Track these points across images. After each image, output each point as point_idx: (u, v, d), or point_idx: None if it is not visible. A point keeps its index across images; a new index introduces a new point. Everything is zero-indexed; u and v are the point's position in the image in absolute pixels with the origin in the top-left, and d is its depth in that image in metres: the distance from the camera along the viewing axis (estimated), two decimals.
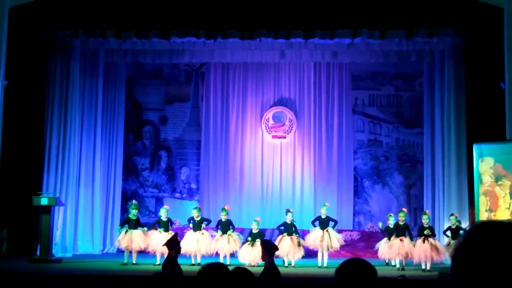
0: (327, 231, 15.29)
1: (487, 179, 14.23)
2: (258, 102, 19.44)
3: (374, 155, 19.44)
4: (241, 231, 16.66)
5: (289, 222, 15.40)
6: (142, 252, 15.51)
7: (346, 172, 19.16)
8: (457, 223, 14.85)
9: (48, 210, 15.39)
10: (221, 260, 14.81)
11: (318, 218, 15.64)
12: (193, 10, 16.26)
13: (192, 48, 17.74)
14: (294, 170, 19.14)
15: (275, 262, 8.61)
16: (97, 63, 18.32)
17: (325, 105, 19.29)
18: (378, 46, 17.41)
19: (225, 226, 15.42)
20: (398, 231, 14.94)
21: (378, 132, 19.53)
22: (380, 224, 15.62)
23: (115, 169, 19.01)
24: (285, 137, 19.23)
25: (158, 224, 15.50)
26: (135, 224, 15.41)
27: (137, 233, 15.28)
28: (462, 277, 1.74)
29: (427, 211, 15.98)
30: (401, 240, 14.71)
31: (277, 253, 11.60)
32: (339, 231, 16.04)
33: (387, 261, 15.22)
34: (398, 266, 14.73)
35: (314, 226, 15.60)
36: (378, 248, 15.18)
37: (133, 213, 15.50)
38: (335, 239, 15.28)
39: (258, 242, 13.93)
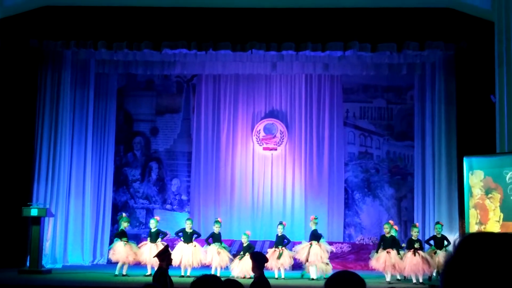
0: (318, 244, 15.24)
1: (477, 192, 14.25)
2: (249, 114, 19.45)
3: (364, 167, 19.47)
4: (232, 243, 16.63)
5: (279, 235, 15.38)
6: (133, 264, 15.44)
7: (337, 185, 19.17)
8: (441, 232, 14.88)
9: (38, 221, 15.31)
10: (212, 273, 14.79)
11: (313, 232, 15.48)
12: (185, 21, 16.28)
13: (184, 59, 17.75)
14: (285, 182, 19.14)
15: (265, 274, 8.58)
16: (88, 74, 18.28)
17: (316, 117, 19.32)
18: (369, 59, 17.46)
19: (217, 239, 15.38)
20: (385, 243, 14.91)
21: (369, 144, 19.57)
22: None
23: (106, 180, 18.96)
24: (276, 149, 19.24)
25: (149, 235, 15.47)
26: (127, 236, 15.39)
27: (134, 246, 15.30)
28: None
29: (416, 223, 16.00)
30: (387, 252, 14.69)
31: (267, 265, 11.59)
32: (330, 243, 16.01)
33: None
34: (388, 279, 14.65)
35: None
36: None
37: (124, 225, 15.47)
38: (325, 252, 15.21)
39: (247, 256, 13.91)
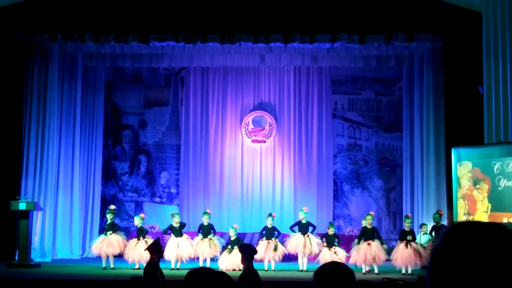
0: (307, 236, 15.30)
1: (466, 183, 14.31)
2: (238, 107, 19.42)
3: (353, 159, 19.49)
4: (221, 235, 16.63)
5: (269, 227, 15.41)
6: (121, 257, 15.38)
7: (325, 176, 19.18)
8: (439, 221, 14.89)
9: (26, 215, 15.28)
10: (201, 264, 14.80)
11: (298, 223, 15.64)
12: (172, 14, 16.23)
13: (172, 52, 17.70)
14: (274, 174, 19.14)
15: (254, 266, 8.58)
16: (76, 67, 18.20)
17: (304, 110, 19.31)
18: (357, 51, 17.48)
19: (206, 230, 15.37)
20: (366, 234, 14.92)
21: (358, 136, 19.59)
22: None
23: (94, 174, 18.91)
24: (265, 142, 19.22)
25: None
26: (112, 228, 15.33)
27: (113, 237, 15.19)
28: (439, 278, 1.72)
29: (409, 214, 15.97)
30: (368, 244, 14.71)
31: (257, 257, 11.60)
32: (319, 235, 16.02)
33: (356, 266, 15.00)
34: (376, 271, 14.65)
35: (293, 231, 15.59)
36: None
37: (109, 217, 15.44)
38: (315, 244, 15.27)
39: (236, 249, 13.93)
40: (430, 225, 15.43)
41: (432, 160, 16.93)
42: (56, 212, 17.53)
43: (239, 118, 19.36)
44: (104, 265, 15.07)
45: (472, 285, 1.66)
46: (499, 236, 1.72)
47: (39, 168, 16.90)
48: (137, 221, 15.51)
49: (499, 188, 13.75)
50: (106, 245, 15.03)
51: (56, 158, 17.51)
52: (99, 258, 15.43)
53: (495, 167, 13.80)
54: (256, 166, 19.21)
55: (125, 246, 15.17)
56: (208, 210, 15.93)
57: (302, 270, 15.02)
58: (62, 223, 17.70)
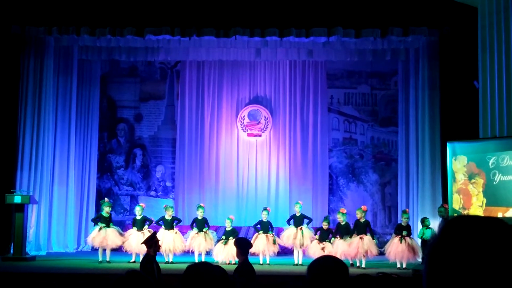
0: (300, 228, 15.33)
1: (461, 177, 14.33)
2: (234, 100, 19.41)
3: (349, 153, 19.50)
4: (216, 229, 16.65)
5: (265, 220, 15.43)
6: (117, 250, 15.41)
7: (321, 170, 19.19)
8: (444, 215, 14.76)
9: (21, 208, 15.27)
10: (196, 258, 14.81)
11: (293, 217, 15.68)
12: (168, 7, 16.20)
13: (167, 45, 17.67)
14: (270, 168, 19.15)
15: (249, 260, 8.60)
16: (71, 61, 18.17)
17: (300, 104, 19.31)
18: (353, 45, 17.47)
19: (201, 224, 15.38)
20: (359, 228, 14.94)
21: (353, 130, 19.60)
22: None
23: (90, 167, 18.90)
24: (260, 135, 19.22)
25: (134, 222, 15.43)
26: (108, 221, 15.30)
27: (111, 231, 15.18)
28: (437, 273, 1.72)
29: (407, 209, 15.91)
30: (361, 238, 14.73)
31: (252, 250, 11.61)
32: (315, 229, 16.04)
33: (351, 262, 14.95)
34: (363, 265, 14.65)
35: (289, 224, 15.61)
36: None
37: (106, 210, 15.36)
38: (307, 236, 15.29)
39: (231, 240, 13.95)
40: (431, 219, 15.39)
41: (427, 154, 16.93)
42: (51, 205, 17.52)
43: (235, 112, 19.35)
44: (100, 258, 15.06)
45: (469, 280, 1.66)
46: (498, 231, 1.71)
47: (35, 162, 16.87)
48: (138, 211, 15.44)
49: (494, 183, 13.77)
50: (107, 237, 15.02)
51: (51, 151, 17.49)
52: (94, 251, 15.43)
53: (490, 161, 13.81)
54: (251, 160, 19.20)
55: (123, 239, 15.19)
56: (202, 204, 15.95)
57: (297, 264, 15.06)
58: (57, 216, 17.69)
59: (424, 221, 15.24)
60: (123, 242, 15.19)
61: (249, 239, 13.00)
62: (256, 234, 15.34)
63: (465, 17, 15.67)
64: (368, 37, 16.56)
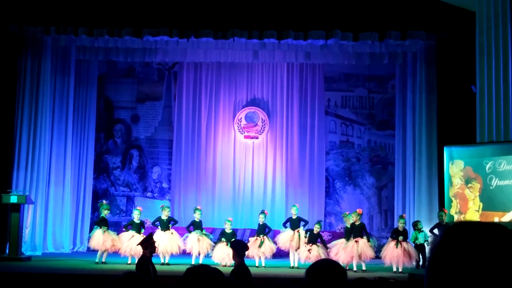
0: (297, 231, 15.31)
1: (457, 181, 14.34)
2: (231, 102, 19.42)
3: (346, 156, 19.52)
4: (212, 231, 16.64)
5: (261, 223, 15.42)
6: (113, 252, 15.38)
7: (318, 173, 19.20)
8: (444, 219, 14.68)
9: (17, 208, 15.25)
10: (193, 261, 14.80)
11: (289, 219, 15.66)
12: (166, 8, 16.19)
13: (165, 47, 17.68)
14: (266, 171, 19.15)
15: (245, 262, 8.58)
16: (69, 61, 18.14)
17: (297, 106, 19.32)
18: (351, 48, 17.50)
19: (198, 227, 15.35)
20: (355, 231, 14.92)
21: (350, 133, 19.61)
22: None
23: (86, 168, 18.88)
24: (257, 138, 19.22)
25: (130, 225, 15.37)
26: (107, 224, 15.33)
27: (113, 234, 15.24)
28: (438, 277, 1.72)
29: (403, 214, 15.89)
30: (356, 241, 14.72)
31: (248, 253, 11.60)
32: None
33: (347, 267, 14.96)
34: (363, 268, 14.66)
35: (285, 227, 15.58)
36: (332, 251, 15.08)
37: (105, 213, 15.38)
38: (303, 239, 15.26)
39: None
40: (425, 224, 15.38)
41: (424, 158, 16.94)
42: (47, 205, 17.49)
43: (232, 114, 19.36)
44: (97, 259, 15.03)
45: (471, 284, 1.66)
46: (499, 236, 1.72)
47: (31, 162, 16.84)
48: (136, 215, 15.42)
49: (491, 188, 13.78)
50: (109, 240, 15.00)
51: (48, 151, 17.46)
52: (90, 252, 15.40)
53: (487, 166, 13.83)
54: (248, 162, 19.21)
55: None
56: (199, 207, 15.92)
57: (293, 267, 15.05)
58: (53, 216, 17.67)
59: (416, 225, 15.23)
60: (113, 246, 15.15)
61: (246, 241, 13.00)
62: (254, 237, 15.34)
63: (463, 22, 15.69)
64: (366, 41, 16.57)
